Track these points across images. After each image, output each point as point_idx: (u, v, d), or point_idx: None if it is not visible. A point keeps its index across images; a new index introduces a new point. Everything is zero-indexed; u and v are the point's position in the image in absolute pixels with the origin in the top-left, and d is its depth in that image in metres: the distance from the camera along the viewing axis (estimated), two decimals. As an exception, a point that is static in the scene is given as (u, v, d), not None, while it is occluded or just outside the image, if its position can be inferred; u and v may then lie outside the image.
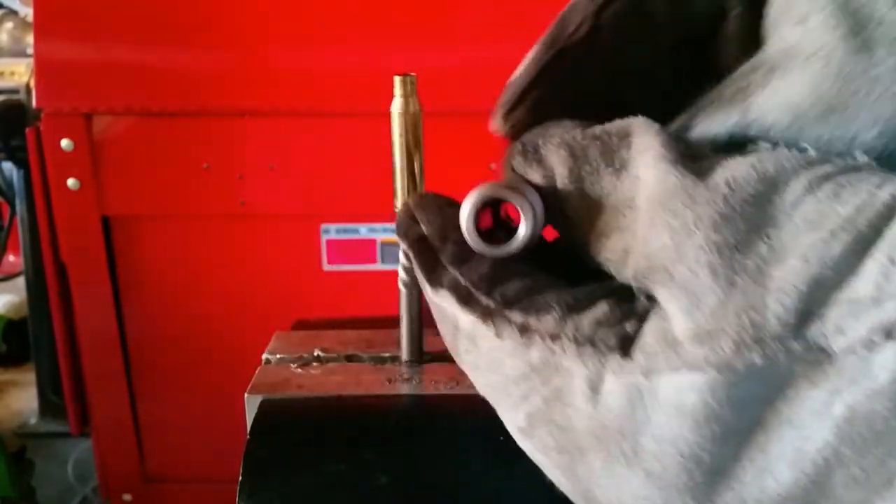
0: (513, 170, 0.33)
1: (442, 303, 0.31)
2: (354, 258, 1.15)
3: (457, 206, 0.34)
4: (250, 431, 0.40)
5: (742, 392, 0.24)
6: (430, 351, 0.47)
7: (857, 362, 0.22)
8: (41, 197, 1.12)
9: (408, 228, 0.34)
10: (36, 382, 1.80)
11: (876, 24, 0.27)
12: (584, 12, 0.33)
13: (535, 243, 0.32)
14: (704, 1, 0.33)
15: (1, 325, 2.12)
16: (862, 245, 0.23)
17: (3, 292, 2.12)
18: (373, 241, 1.14)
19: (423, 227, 0.34)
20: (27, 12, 1.92)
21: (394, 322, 0.46)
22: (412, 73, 0.38)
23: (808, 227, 0.24)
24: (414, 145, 0.38)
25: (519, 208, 0.31)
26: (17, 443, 1.54)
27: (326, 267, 1.15)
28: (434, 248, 0.32)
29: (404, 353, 0.46)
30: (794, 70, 0.28)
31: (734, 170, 0.26)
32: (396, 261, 0.44)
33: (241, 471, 0.38)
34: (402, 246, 0.34)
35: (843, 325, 0.22)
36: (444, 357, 0.46)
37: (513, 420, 0.30)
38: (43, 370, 1.76)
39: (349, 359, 0.47)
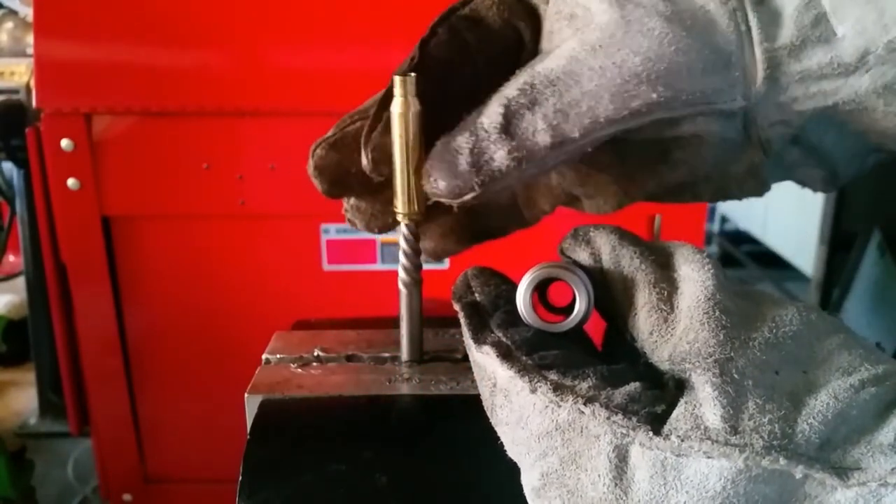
0: (562, 252, 0.38)
1: (484, 360, 0.33)
2: (354, 258, 1.15)
3: (508, 280, 0.39)
4: (250, 431, 0.40)
5: (758, 492, 0.26)
6: (429, 351, 0.47)
7: (868, 496, 0.25)
8: (41, 197, 1.12)
9: (462, 294, 0.38)
10: (36, 382, 1.80)
11: None
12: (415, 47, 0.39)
13: (587, 321, 0.35)
14: (504, 32, 0.40)
15: (1, 325, 2.12)
16: (884, 400, 0.27)
17: (3, 292, 2.12)
18: (373, 241, 1.14)
19: (477, 296, 0.38)
20: (27, 12, 1.92)
21: (394, 322, 0.46)
22: (412, 73, 0.38)
23: (841, 373, 0.28)
24: (414, 145, 0.38)
25: (574, 288, 0.34)
26: (17, 443, 1.54)
27: (326, 267, 1.16)
28: (484, 314, 0.36)
29: (404, 353, 0.46)
30: (568, 41, 0.35)
31: (779, 307, 0.31)
32: (396, 261, 0.44)
33: (241, 471, 0.38)
34: (455, 308, 0.38)
35: (862, 461, 0.26)
36: (444, 357, 0.46)
37: (529, 480, 0.31)
38: (43, 370, 1.77)
39: (349, 359, 0.47)
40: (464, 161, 0.34)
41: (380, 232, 0.45)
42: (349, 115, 0.42)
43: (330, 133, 0.42)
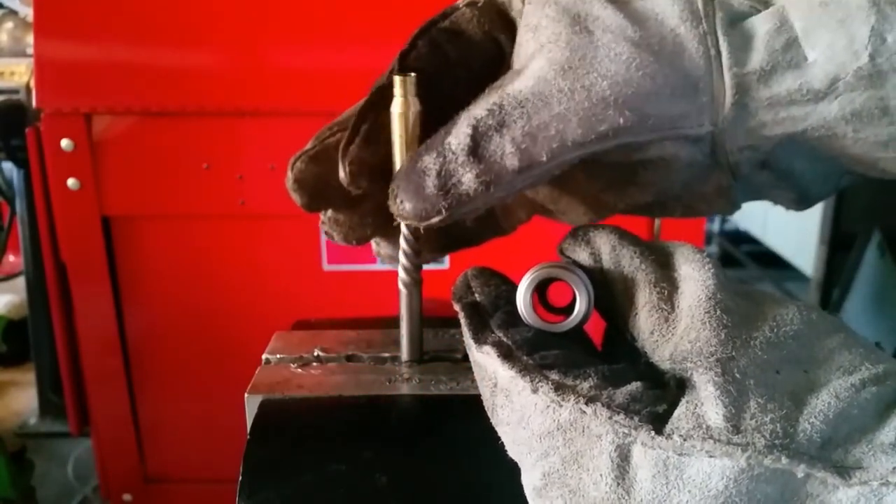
0: (562, 252, 0.38)
1: (485, 360, 0.33)
2: (354, 258, 1.15)
3: (508, 280, 0.39)
4: (250, 431, 0.40)
5: (760, 491, 0.26)
6: (429, 351, 0.47)
7: (869, 495, 0.25)
8: (41, 197, 1.12)
9: (462, 295, 0.38)
10: (36, 382, 1.80)
11: (593, 19, 0.35)
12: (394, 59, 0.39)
13: (588, 321, 0.35)
14: (484, 44, 0.40)
15: (1, 325, 2.12)
16: (885, 399, 0.27)
17: (3, 292, 2.12)
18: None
19: (477, 296, 0.37)
20: (27, 12, 1.92)
21: (394, 322, 0.46)
22: (412, 74, 0.38)
23: (842, 372, 0.28)
24: (413, 145, 0.38)
25: (574, 288, 0.34)
26: (17, 443, 1.54)
27: (326, 267, 1.15)
28: (484, 315, 0.36)
29: (404, 353, 0.46)
30: (536, 58, 0.35)
31: (779, 306, 0.31)
32: (394, 261, 0.44)
33: (241, 471, 0.38)
34: (455, 308, 0.37)
35: (863, 460, 0.26)
36: (444, 357, 0.46)
37: (530, 479, 0.31)
38: (43, 370, 1.77)
39: (349, 359, 0.47)
40: (431, 183, 0.34)
41: (358, 244, 0.45)
42: (328, 127, 0.42)
43: (309, 146, 0.41)
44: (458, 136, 0.34)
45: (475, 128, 0.34)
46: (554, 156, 0.33)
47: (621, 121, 0.33)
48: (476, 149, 0.33)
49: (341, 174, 0.39)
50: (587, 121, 0.33)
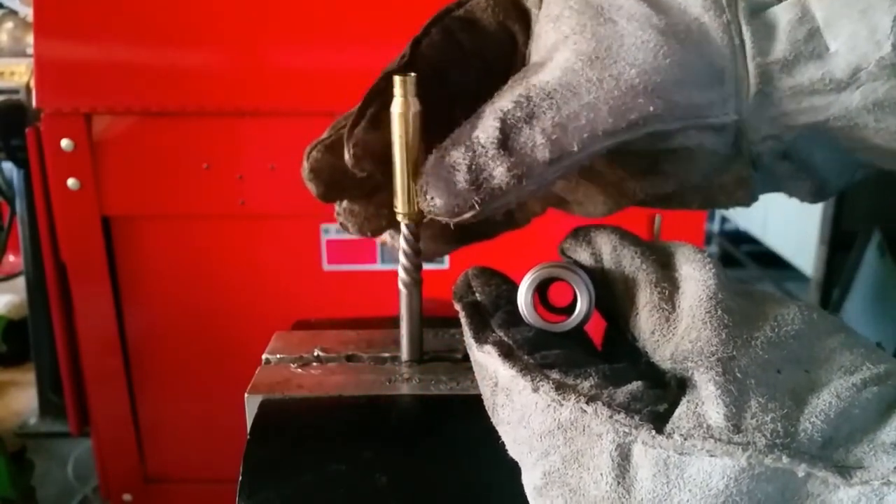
0: (563, 252, 0.38)
1: (486, 359, 0.33)
2: (354, 258, 1.15)
3: (509, 280, 0.39)
4: (250, 431, 0.40)
5: (761, 490, 0.26)
6: (429, 351, 0.47)
7: (870, 495, 0.25)
8: (41, 197, 1.12)
9: (463, 294, 0.38)
10: (36, 382, 1.80)
11: (616, 8, 0.35)
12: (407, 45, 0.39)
13: (588, 321, 0.35)
14: (498, 34, 0.40)
15: (1, 325, 2.12)
16: (886, 399, 0.27)
17: (3, 292, 2.12)
18: (373, 241, 1.14)
19: (478, 295, 0.37)
20: (27, 12, 1.92)
21: (394, 322, 0.46)
22: (412, 73, 0.38)
23: (843, 372, 0.28)
24: (414, 145, 0.38)
25: (576, 288, 0.34)
26: (17, 443, 1.54)
27: (326, 267, 1.16)
28: (485, 314, 0.36)
29: (404, 353, 0.46)
30: (560, 50, 0.35)
31: (780, 306, 0.31)
32: (396, 261, 0.44)
33: (241, 471, 0.38)
34: (456, 307, 0.37)
35: (864, 460, 0.26)
36: (444, 357, 0.46)
37: (531, 479, 0.31)
38: (43, 370, 1.77)
39: (349, 359, 0.47)
40: (462, 178, 0.33)
41: (373, 235, 0.45)
42: (344, 117, 0.41)
43: (325, 135, 0.41)
44: (486, 129, 0.33)
45: (503, 120, 0.33)
46: (585, 146, 0.33)
47: (651, 108, 0.33)
48: (506, 141, 0.33)
49: (346, 156, 0.38)
50: (617, 109, 0.33)
